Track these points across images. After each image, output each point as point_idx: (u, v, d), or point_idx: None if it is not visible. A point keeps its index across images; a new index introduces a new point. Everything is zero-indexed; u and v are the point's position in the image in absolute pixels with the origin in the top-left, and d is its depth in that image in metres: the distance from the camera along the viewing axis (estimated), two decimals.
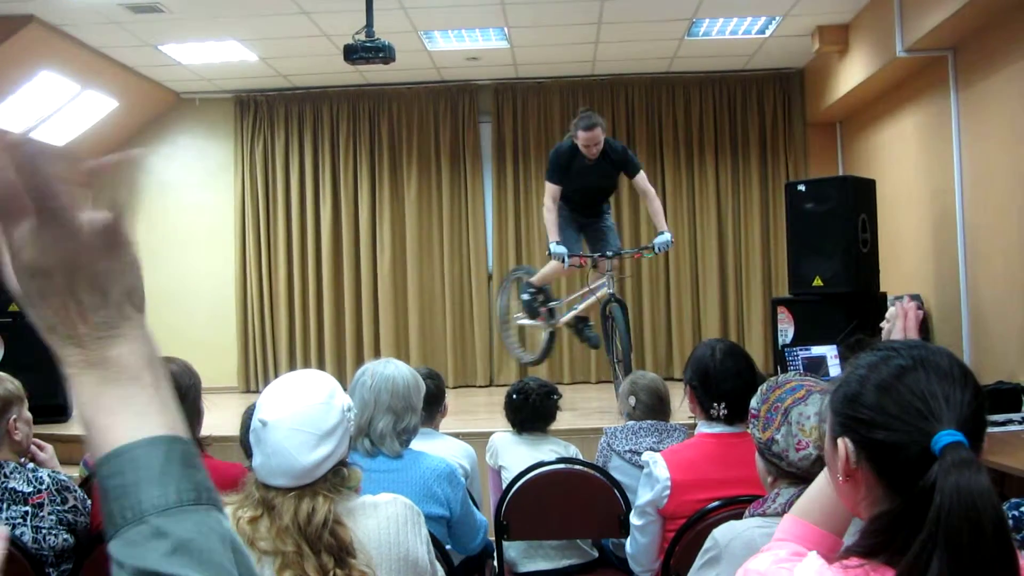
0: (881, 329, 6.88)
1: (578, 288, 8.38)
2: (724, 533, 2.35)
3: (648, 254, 7.92)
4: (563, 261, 7.29)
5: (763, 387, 2.50)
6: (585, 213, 7.67)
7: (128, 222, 0.96)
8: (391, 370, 3.26)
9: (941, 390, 1.39)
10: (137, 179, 0.98)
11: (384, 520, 2.33)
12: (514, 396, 4.54)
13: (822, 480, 1.76)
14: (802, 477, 2.37)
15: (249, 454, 3.99)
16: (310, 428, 2.25)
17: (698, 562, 2.41)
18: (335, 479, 2.30)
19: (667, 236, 7.43)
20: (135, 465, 0.86)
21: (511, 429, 4.58)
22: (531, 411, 4.47)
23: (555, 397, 4.54)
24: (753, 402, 2.50)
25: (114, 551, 0.84)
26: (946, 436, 1.34)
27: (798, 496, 2.35)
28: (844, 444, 1.45)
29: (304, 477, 2.24)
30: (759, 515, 2.40)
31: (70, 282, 0.90)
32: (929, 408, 1.38)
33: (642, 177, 7.54)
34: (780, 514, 2.35)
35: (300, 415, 2.26)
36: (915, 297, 7.14)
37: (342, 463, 2.34)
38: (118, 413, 0.89)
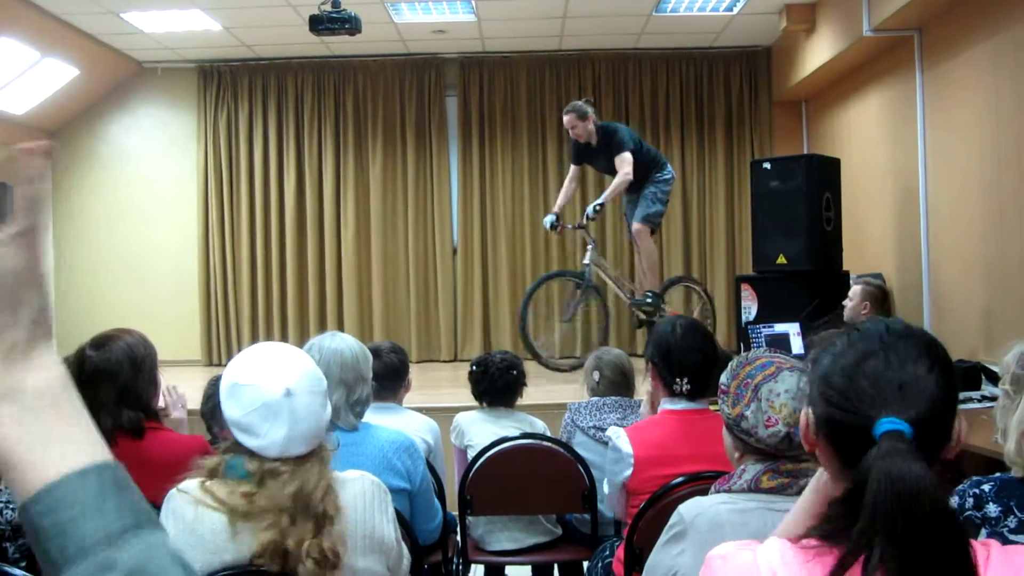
0: (843, 307, 6.90)
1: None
2: (690, 509, 2.35)
3: (576, 224, 8.57)
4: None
5: (733, 363, 2.50)
6: (630, 189, 8.09)
7: (41, 231, 0.89)
8: (338, 343, 3.25)
9: (900, 377, 1.40)
10: (48, 178, 0.89)
11: (351, 497, 2.32)
12: (474, 368, 4.52)
13: (806, 495, 1.76)
14: (770, 454, 2.38)
15: (212, 427, 3.97)
16: (320, 389, 2.31)
17: (663, 537, 2.41)
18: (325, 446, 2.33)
19: (592, 205, 8.01)
20: (69, 500, 0.82)
21: (477, 405, 4.57)
22: (490, 383, 4.44)
23: (514, 372, 4.48)
24: (723, 377, 2.50)
25: None
26: (886, 423, 1.36)
27: (764, 472, 2.36)
28: (806, 413, 1.52)
29: (318, 438, 2.28)
30: (725, 491, 2.41)
31: None
32: (880, 395, 1.40)
33: (620, 158, 7.88)
34: (746, 490, 2.35)
35: (310, 377, 2.29)
36: (876, 276, 7.20)
37: None
38: (41, 447, 0.84)
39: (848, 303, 6.45)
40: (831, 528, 1.38)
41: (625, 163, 7.86)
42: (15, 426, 0.83)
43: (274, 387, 2.22)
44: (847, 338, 1.50)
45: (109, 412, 3.08)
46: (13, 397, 0.84)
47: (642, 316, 8.33)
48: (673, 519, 2.38)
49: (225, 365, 2.35)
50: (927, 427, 1.37)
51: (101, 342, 3.18)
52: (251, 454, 2.23)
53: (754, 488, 2.34)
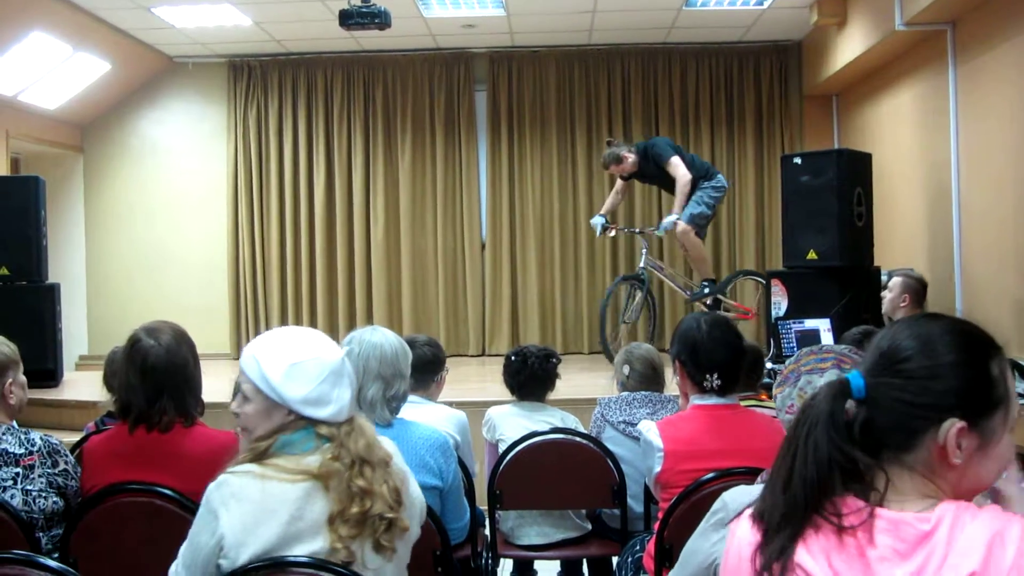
0: (882, 299, 6.84)
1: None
2: (734, 496, 2.34)
3: (649, 229, 9.04)
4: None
5: (805, 349, 2.52)
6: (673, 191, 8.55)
7: None
8: (378, 337, 3.24)
9: (887, 345, 1.56)
10: None
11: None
12: (512, 358, 4.50)
13: None
14: None
15: None
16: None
17: (704, 523, 2.39)
18: None
19: (664, 221, 8.55)
20: None
21: (510, 398, 4.56)
22: (530, 374, 4.44)
23: (554, 360, 4.51)
24: (789, 360, 2.52)
25: None
26: (851, 375, 1.54)
27: None
28: None
29: None
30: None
31: None
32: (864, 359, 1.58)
33: (670, 165, 8.39)
34: None
35: (333, 343, 2.41)
36: (905, 272, 7.14)
37: None
38: None
39: (887, 295, 6.40)
40: None
41: (677, 167, 8.35)
42: None
43: (333, 355, 2.32)
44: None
45: (174, 402, 3.10)
46: None
47: (705, 308, 8.67)
48: (716, 505, 2.37)
49: (290, 345, 2.36)
50: (882, 398, 1.52)
51: (156, 333, 3.18)
52: (319, 423, 2.28)
53: None
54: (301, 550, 2.17)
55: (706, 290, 8.69)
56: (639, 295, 8.83)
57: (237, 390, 2.39)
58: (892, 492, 1.48)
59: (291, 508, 2.18)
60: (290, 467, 2.22)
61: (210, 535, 2.19)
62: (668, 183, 8.58)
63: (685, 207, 8.41)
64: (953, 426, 1.47)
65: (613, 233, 9.17)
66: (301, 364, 2.27)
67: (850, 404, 1.52)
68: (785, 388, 2.41)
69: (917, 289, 6.33)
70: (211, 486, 2.24)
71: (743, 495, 2.33)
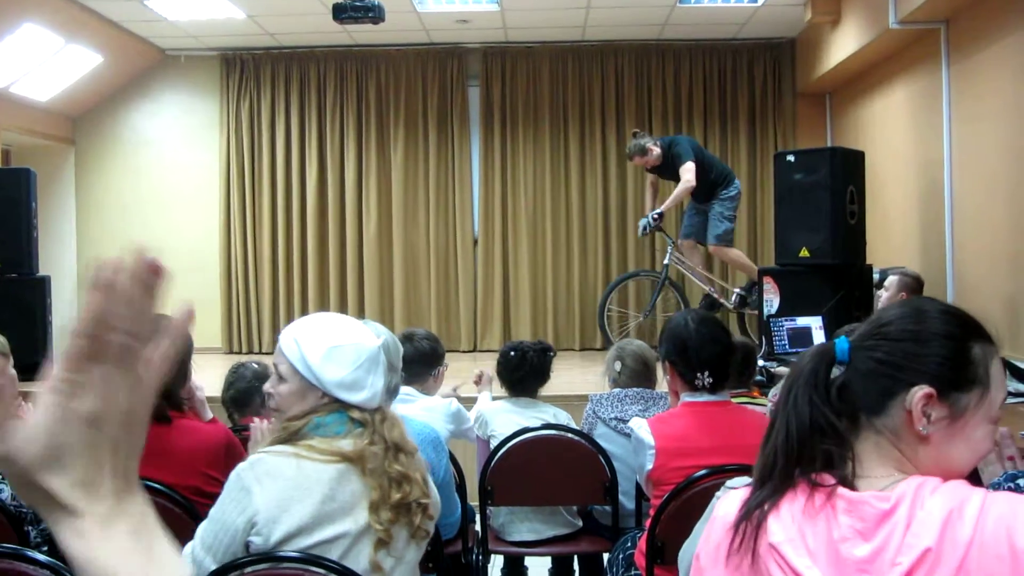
0: (878, 297, 6.88)
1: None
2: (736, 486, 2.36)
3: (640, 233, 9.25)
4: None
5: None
6: (696, 199, 8.92)
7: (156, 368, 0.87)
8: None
9: (877, 316, 1.63)
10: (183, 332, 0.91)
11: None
12: (511, 353, 4.48)
13: None
14: None
15: (233, 415, 3.97)
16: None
17: (707, 512, 2.41)
18: None
19: (649, 215, 8.88)
20: None
21: (504, 393, 4.56)
22: (529, 368, 4.43)
23: (551, 354, 4.51)
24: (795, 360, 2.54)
25: None
26: (838, 340, 1.59)
27: None
28: None
29: None
30: None
31: (119, 434, 0.83)
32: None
33: (683, 168, 8.57)
34: None
35: (371, 331, 2.48)
36: (902, 270, 7.15)
37: None
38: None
39: (884, 293, 6.42)
40: None
41: (687, 171, 8.52)
42: (128, 546, 0.81)
43: (372, 342, 2.38)
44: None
45: None
46: (129, 515, 0.82)
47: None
48: (719, 493, 2.38)
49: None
50: (861, 359, 1.56)
51: None
52: (352, 408, 2.34)
53: None
54: (332, 530, 2.22)
55: (734, 300, 9.04)
56: (659, 291, 9.16)
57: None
58: (860, 467, 1.50)
59: (325, 488, 2.22)
60: (324, 448, 2.27)
61: (239, 512, 2.21)
62: (679, 179, 8.73)
63: (708, 227, 8.78)
64: (921, 390, 1.49)
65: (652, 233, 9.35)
66: (340, 348, 2.33)
67: (835, 371, 1.56)
68: (780, 382, 2.43)
69: (914, 287, 6.35)
70: (242, 465, 2.29)
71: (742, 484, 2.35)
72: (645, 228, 8.90)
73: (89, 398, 0.81)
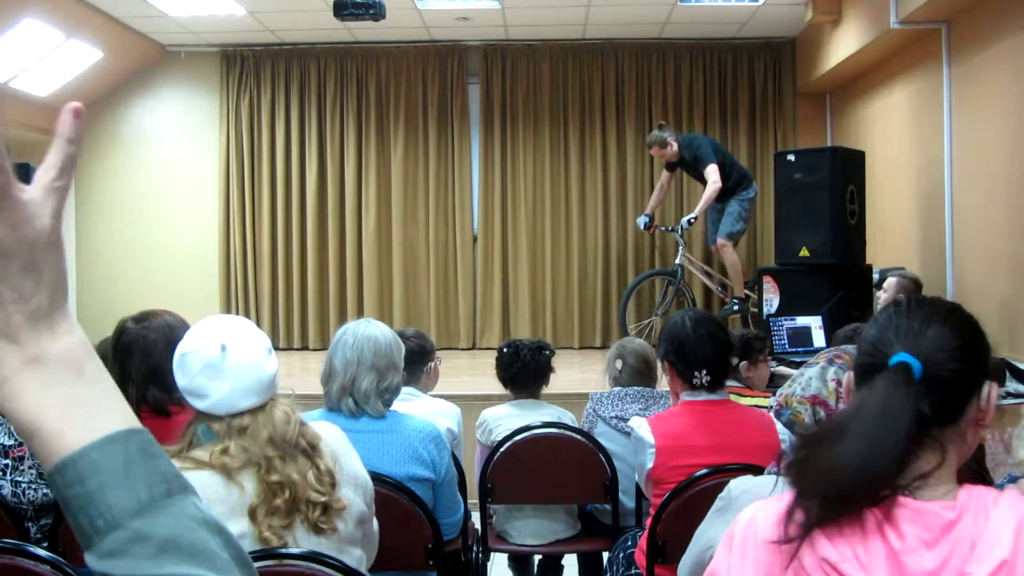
0: (877, 298, 6.87)
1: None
2: (738, 485, 2.39)
3: (671, 228, 9.54)
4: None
5: (824, 351, 2.54)
6: (716, 199, 8.92)
7: (64, 194, 0.86)
8: (372, 329, 3.25)
9: (918, 325, 1.54)
10: (81, 141, 0.87)
11: (323, 433, 2.45)
12: (504, 350, 4.47)
13: None
14: None
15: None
16: (261, 343, 2.37)
17: (711, 511, 2.44)
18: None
19: (687, 217, 9.00)
20: (96, 468, 0.79)
21: (501, 392, 4.54)
22: (522, 366, 4.41)
23: (547, 352, 4.48)
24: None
25: (95, 565, 0.78)
26: (896, 357, 1.49)
27: None
28: (848, 376, 1.64)
29: (271, 388, 2.35)
30: (776, 472, 2.41)
31: (5, 265, 0.81)
32: (898, 336, 1.53)
33: (708, 171, 8.74)
34: None
35: (247, 334, 2.36)
36: (900, 270, 7.16)
37: None
38: (67, 414, 0.81)
39: (882, 294, 6.43)
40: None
41: (713, 173, 8.68)
42: (40, 394, 0.81)
43: (211, 347, 2.30)
44: (887, 308, 1.63)
45: (136, 385, 3.09)
46: (38, 364, 0.81)
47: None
48: (722, 493, 2.41)
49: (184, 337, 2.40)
50: (941, 372, 1.48)
51: (143, 317, 3.21)
52: (211, 416, 2.31)
53: None
54: None
55: (735, 307, 9.05)
56: (672, 290, 9.22)
57: None
58: (921, 477, 1.48)
59: (208, 494, 2.19)
60: (203, 457, 2.27)
61: None
62: (703, 178, 8.93)
63: (722, 223, 8.93)
64: (991, 386, 1.53)
65: (653, 231, 9.67)
66: (185, 355, 2.32)
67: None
68: (790, 384, 2.43)
69: (912, 288, 6.37)
70: None
71: (749, 484, 2.36)
72: (681, 229, 9.07)
73: None
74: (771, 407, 4.17)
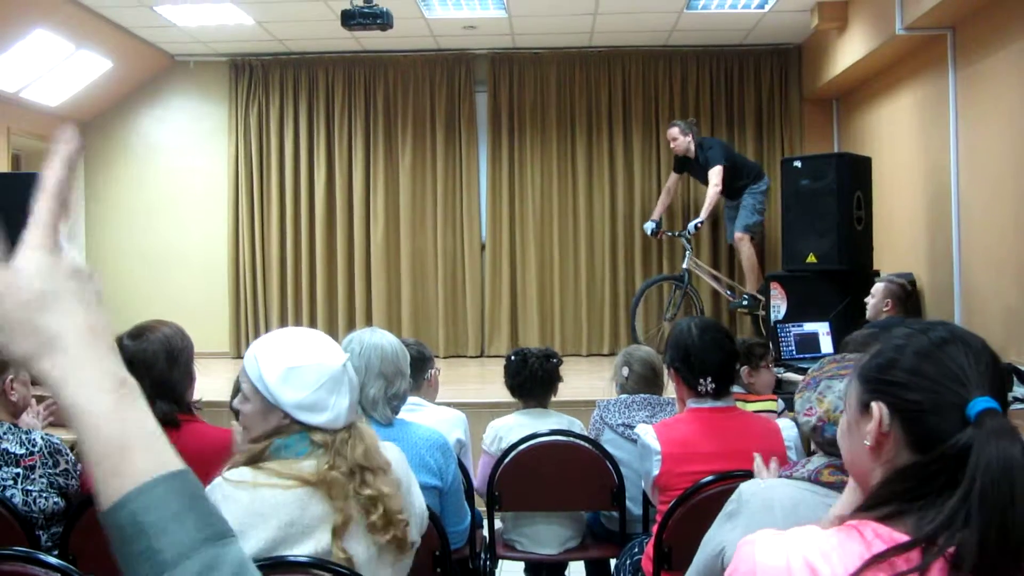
0: (866, 304, 6.86)
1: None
2: (749, 488, 2.39)
3: (678, 233, 9.50)
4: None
5: (828, 358, 2.54)
6: (730, 197, 9.25)
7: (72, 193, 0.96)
8: (378, 338, 3.28)
9: (977, 363, 1.40)
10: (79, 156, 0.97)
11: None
12: (512, 358, 4.46)
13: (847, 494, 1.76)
14: (830, 453, 2.38)
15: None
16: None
17: (720, 514, 2.45)
18: None
19: (693, 222, 9.07)
20: (157, 504, 0.84)
21: (509, 400, 4.55)
22: (530, 374, 4.40)
23: (555, 360, 4.47)
24: (812, 367, 2.54)
25: None
26: (983, 402, 1.35)
27: (826, 466, 2.37)
28: (879, 408, 1.45)
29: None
30: (786, 476, 2.43)
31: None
32: (967, 375, 1.39)
33: (712, 172, 8.91)
34: (806, 479, 2.36)
35: (342, 348, 2.38)
36: (907, 276, 7.16)
37: None
38: (136, 441, 0.86)
39: (870, 300, 6.44)
40: (885, 493, 1.39)
41: (715, 176, 8.87)
42: (122, 415, 0.87)
43: (334, 361, 2.29)
44: (906, 330, 1.49)
45: None
46: (124, 384, 0.89)
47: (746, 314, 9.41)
48: (733, 496, 2.42)
49: (279, 351, 2.35)
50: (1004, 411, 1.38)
51: (138, 332, 3.18)
52: (313, 430, 2.27)
53: (814, 479, 2.36)
54: (295, 553, 2.18)
55: (744, 302, 9.17)
56: (679, 294, 9.35)
57: (238, 388, 2.39)
58: None
59: (284, 514, 2.17)
60: (283, 472, 2.21)
61: None
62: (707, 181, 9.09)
63: (738, 217, 9.10)
64: None
65: (660, 236, 9.69)
66: (299, 369, 2.26)
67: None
68: (805, 392, 2.44)
69: (899, 294, 6.37)
70: (212, 484, 2.24)
71: (759, 488, 2.37)
72: (688, 234, 9.16)
73: (71, 255, 0.92)
74: (781, 411, 4.21)
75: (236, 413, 2.40)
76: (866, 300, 6.50)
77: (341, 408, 2.28)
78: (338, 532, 2.18)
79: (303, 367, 2.26)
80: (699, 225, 9.03)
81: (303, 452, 2.25)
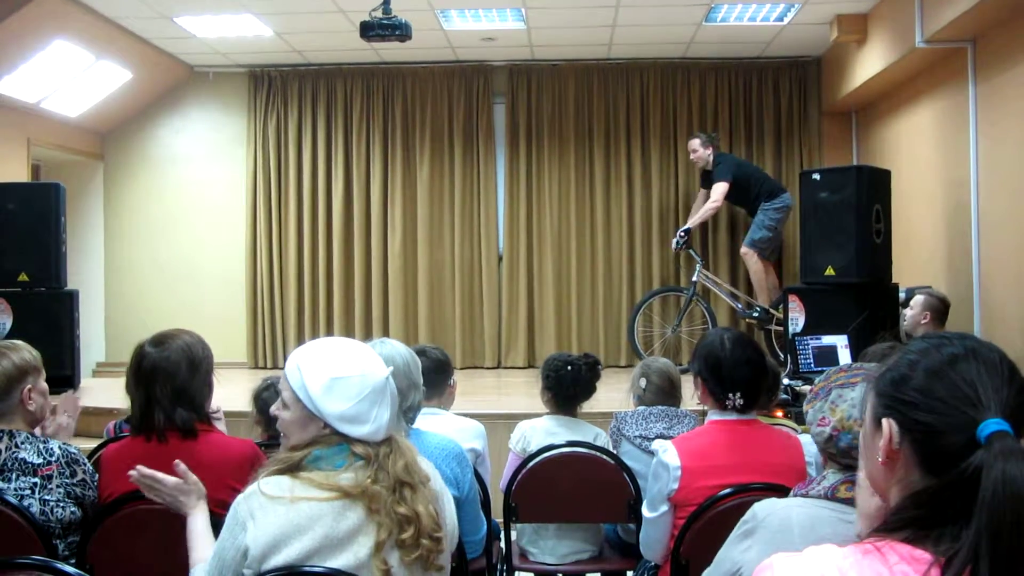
0: (903, 316, 6.81)
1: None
2: (764, 507, 2.36)
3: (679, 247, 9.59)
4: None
5: (833, 368, 2.52)
6: (747, 210, 9.57)
7: None
8: (388, 349, 3.23)
9: (991, 382, 1.37)
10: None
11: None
12: (567, 368, 4.35)
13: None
14: (852, 465, 2.35)
15: (268, 429, 3.98)
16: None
17: (734, 532, 2.42)
18: None
19: (681, 229, 9.36)
20: None
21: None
22: (584, 384, 4.36)
23: (599, 367, 4.45)
24: (818, 379, 2.52)
25: None
26: (994, 424, 1.33)
27: (843, 482, 2.34)
28: (889, 424, 1.43)
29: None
30: (802, 495, 2.40)
31: None
32: (977, 396, 1.36)
33: (714, 187, 9.15)
34: (822, 496, 2.34)
35: (380, 360, 2.36)
36: (928, 290, 7.12)
37: None
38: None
39: (908, 312, 6.41)
40: (901, 519, 1.37)
41: (716, 191, 9.11)
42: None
43: (378, 373, 2.29)
44: (922, 345, 1.46)
45: (163, 409, 3.09)
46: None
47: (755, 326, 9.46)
48: (747, 515, 2.38)
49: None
50: (1017, 433, 1.34)
51: (161, 340, 3.19)
52: (354, 441, 2.26)
53: (830, 496, 2.34)
54: (329, 565, 2.17)
55: (755, 314, 9.27)
56: (683, 302, 9.52)
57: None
58: None
59: (321, 525, 2.17)
60: (322, 483, 2.20)
61: (233, 546, 2.20)
62: (732, 195, 9.27)
63: (748, 231, 9.28)
64: None
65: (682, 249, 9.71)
66: (343, 380, 2.25)
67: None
68: (816, 403, 2.42)
69: (939, 308, 6.35)
70: (240, 497, 2.24)
71: (774, 507, 2.35)
72: (678, 243, 9.38)
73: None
74: (800, 428, 4.17)
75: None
76: (903, 312, 6.48)
77: (382, 421, 2.27)
78: (380, 545, 2.17)
79: (347, 378, 2.25)
80: (682, 234, 9.29)
81: (342, 464, 2.24)
